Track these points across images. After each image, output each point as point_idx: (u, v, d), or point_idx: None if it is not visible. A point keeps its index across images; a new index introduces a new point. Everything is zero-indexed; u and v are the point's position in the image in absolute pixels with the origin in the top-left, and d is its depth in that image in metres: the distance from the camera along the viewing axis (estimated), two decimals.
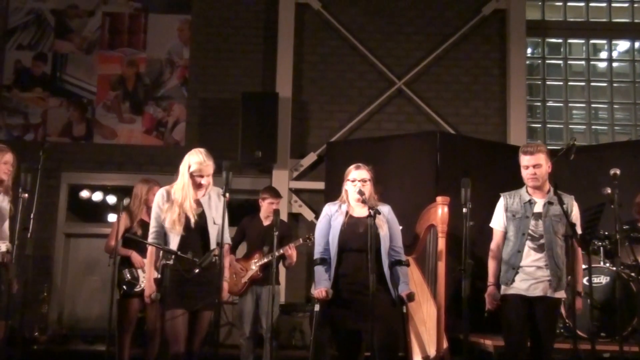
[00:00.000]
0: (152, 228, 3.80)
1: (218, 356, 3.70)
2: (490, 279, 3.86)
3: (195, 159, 3.78)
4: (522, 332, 3.71)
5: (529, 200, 3.82)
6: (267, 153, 6.97)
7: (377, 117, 7.61)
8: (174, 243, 3.71)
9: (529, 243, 3.75)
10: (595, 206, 5.17)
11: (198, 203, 3.80)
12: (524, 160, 3.79)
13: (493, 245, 3.93)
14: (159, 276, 3.74)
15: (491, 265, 3.89)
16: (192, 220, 3.73)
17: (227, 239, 3.90)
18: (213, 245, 3.76)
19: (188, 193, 3.76)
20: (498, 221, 3.92)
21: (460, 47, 7.71)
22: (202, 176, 3.77)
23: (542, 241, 3.74)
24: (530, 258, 3.74)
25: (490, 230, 3.99)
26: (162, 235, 3.77)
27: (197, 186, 3.80)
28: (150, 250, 3.80)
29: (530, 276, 3.72)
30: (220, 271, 3.64)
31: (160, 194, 3.82)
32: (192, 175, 3.77)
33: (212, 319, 3.80)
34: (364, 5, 7.79)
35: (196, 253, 3.67)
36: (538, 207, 3.79)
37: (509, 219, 3.85)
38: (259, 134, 6.95)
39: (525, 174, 3.81)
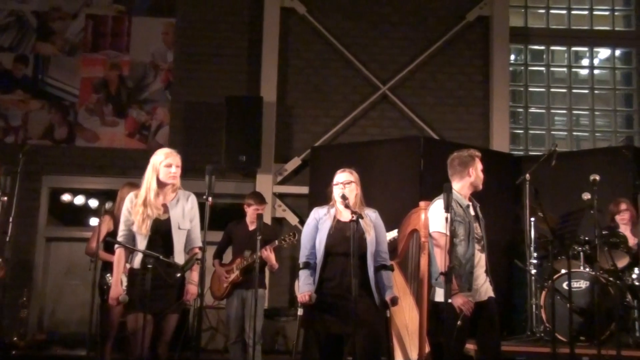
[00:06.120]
0: (121, 232, 3.80)
1: None
2: (455, 287, 3.65)
3: (161, 152, 3.83)
4: (464, 338, 3.74)
5: (467, 205, 3.84)
6: (251, 157, 6.95)
7: (361, 122, 7.63)
8: (141, 246, 3.71)
9: (476, 246, 3.78)
10: (575, 211, 5.23)
11: (165, 207, 3.79)
12: (480, 164, 3.90)
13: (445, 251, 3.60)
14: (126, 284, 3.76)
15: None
16: (158, 224, 3.73)
17: (199, 242, 3.87)
18: (177, 249, 3.77)
19: (154, 196, 3.75)
20: (444, 225, 3.59)
21: (444, 53, 7.76)
22: (170, 165, 3.77)
23: (483, 242, 3.81)
24: (478, 261, 3.77)
25: None
26: (131, 238, 3.77)
27: (169, 178, 3.77)
28: (118, 252, 3.79)
29: (480, 280, 3.77)
30: (203, 275, 3.61)
31: (129, 198, 3.82)
32: (159, 173, 3.75)
33: (194, 324, 3.78)
34: (348, 11, 7.81)
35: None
36: (472, 210, 3.85)
37: (459, 223, 3.74)
38: (243, 138, 6.93)
39: (483, 177, 3.88)
